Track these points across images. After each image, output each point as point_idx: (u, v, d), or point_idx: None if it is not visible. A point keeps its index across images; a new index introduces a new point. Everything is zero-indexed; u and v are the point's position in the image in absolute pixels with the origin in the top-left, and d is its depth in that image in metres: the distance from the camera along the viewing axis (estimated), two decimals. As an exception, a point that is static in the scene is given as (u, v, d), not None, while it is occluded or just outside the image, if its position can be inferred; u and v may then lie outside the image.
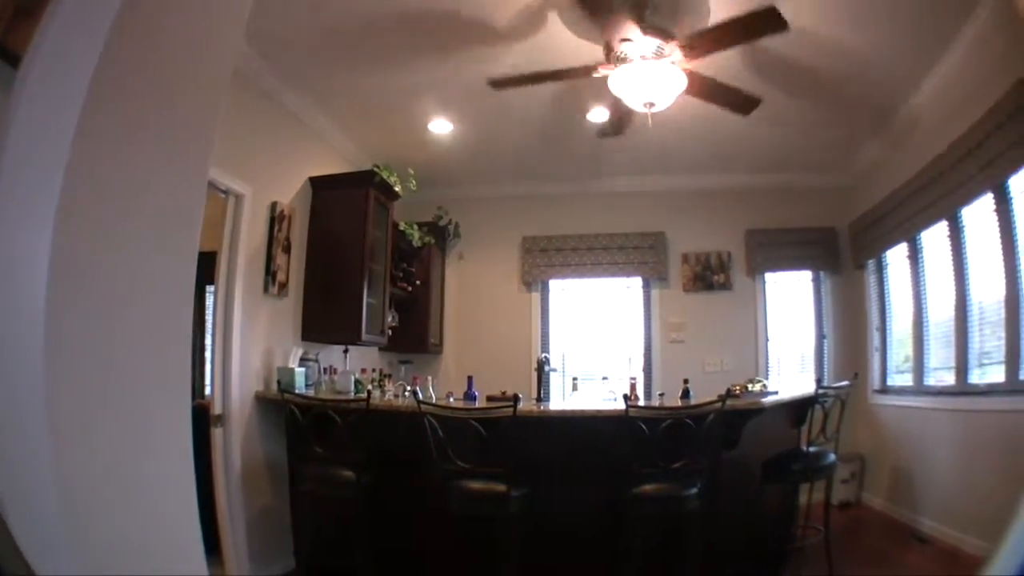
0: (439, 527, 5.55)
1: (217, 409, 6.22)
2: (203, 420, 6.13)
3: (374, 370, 8.19)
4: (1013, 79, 5.71)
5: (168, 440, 2.57)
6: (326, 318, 7.48)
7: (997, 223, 6.56)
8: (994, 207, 6.61)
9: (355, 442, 5.78)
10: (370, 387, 7.21)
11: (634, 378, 8.36)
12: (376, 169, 7.92)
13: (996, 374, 6.65)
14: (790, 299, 10.75)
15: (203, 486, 3.88)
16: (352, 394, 7.01)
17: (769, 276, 10.71)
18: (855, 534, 7.98)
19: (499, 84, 6.22)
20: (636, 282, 10.73)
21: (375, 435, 5.89)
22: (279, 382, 6.57)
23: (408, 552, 6.11)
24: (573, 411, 6.35)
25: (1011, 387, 6.25)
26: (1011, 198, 6.35)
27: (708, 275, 10.53)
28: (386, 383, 7.88)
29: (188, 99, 2.67)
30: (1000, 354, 6.56)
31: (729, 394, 5.38)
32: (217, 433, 6.21)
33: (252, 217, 6.65)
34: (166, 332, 2.58)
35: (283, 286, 7.02)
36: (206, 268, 6.12)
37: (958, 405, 7.17)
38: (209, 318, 6.82)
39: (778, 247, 10.50)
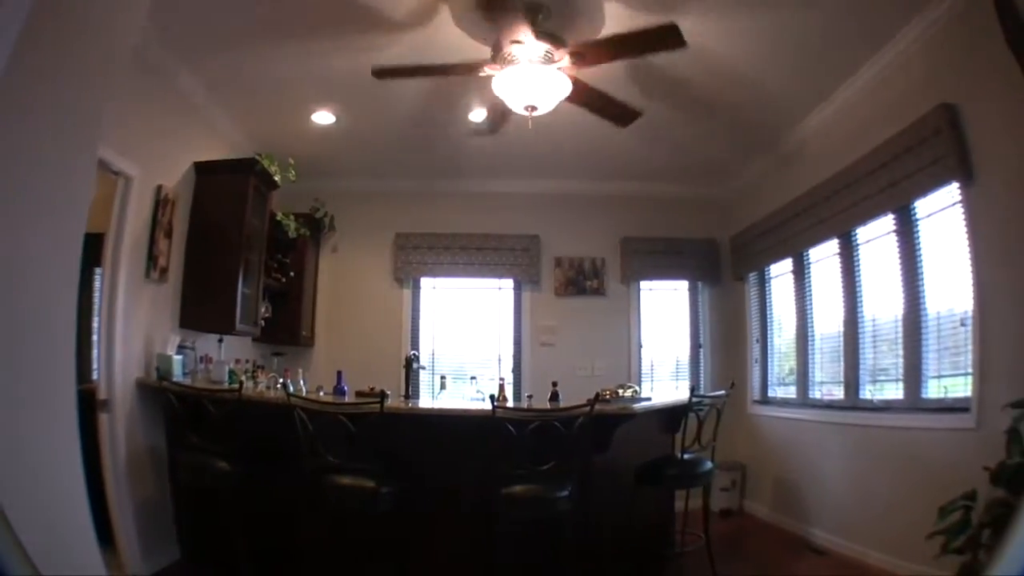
0: (315, 521, 5.55)
1: (102, 394, 5.99)
2: (92, 404, 5.95)
3: (248, 361, 8.05)
4: (931, 104, 5.78)
5: (54, 424, 2.53)
6: (203, 306, 7.26)
7: (898, 244, 6.66)
8: (895, 228, 6.70)
9: (230, 433, 5.70)
10: (243, 378, 6.94)
11: (503, 379, 8.36)
12: (258, 157, 7.80)
13: (892, 391, 6.77)
14: (666, 307, 10.81)
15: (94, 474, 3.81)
16: (226, 384, 6.89)
17: (644, 284, 10.73)
18: (740, 542, 8.07)
19: (383, 74, 5.98)
20: (508, 284, 10.67)
21: (250, 427, 5.81)
22: (158, 369, 6.37)
23: (286, 544, 5.97)
24: (440, 410, 6.43)
25: (911, 405, 6.35)
26: (916, 220, 6.43)
27: (581, 280, 10.53)
28: (259, 374, 7.72)
29: (81, 78, 2.64)
30: (897, 371, 6.67)
31: (598, 398, 5.25)
32: (104, 419, 5.98)
33: (139, 200, 6.40)
34: (51, 315, 2.55)
35: (164, 272, 6.77)
36: (95, 250, 5.97)
37: (849, 419, 7.25)
38: (97, 301, 6.56)
39: (654, 255, 10.55)
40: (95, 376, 6.13)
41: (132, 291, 6.34)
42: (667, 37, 5.30)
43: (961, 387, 5.75)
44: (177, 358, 6.69)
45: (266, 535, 5.97)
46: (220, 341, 7.52)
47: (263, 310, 8.43)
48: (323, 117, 7.95)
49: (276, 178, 8.06)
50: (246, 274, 7.55)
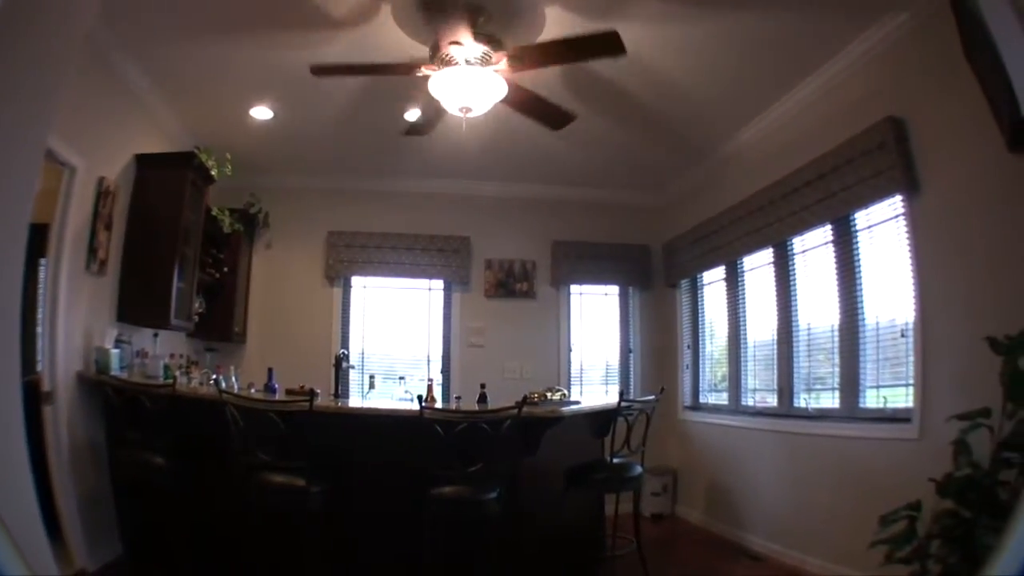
0: (249, 518, 5.41)
1: (46, 386, 5.86)
2: (37, 396, 5.84)
3: (181, 356, 7.93)
4: (877, 117, 5.84)
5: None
6: (139, 300, 7.11)
7: (835, 254, 6.73)
8: (832, 239, 6.77)
9: (165, 429, 5.68)
10: (177, 373, 6.97)
11: (431, 379, 8.31)
12: (197, 151, 7.72)
13: (828, 400, 6.81)
14: (596, 312, 10.84)
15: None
16: (161, 379, 6.72)
17: (575, 288, 10.75)
18: (673, 546, 8.11)
19: (321, 71, 5.91)
20: (439, 284, 10.65)
21: (185, 423, 5.79)
22: (97, 362, 6.30)
23: (223, 541, 5.83)
24: (369, 410, 6.38)
25: (849, 414, 6.39)
26: (855, 231, 6.48)
27: (511, 282, 10.54)
28: (192, 370, 7.64)
29: (33, 67, 2.59)
30: (834, 380, 6.71)
31: (526, 401, 5.37)
32: (48, 411, 5.85)
33: (82, 191, 6.27)
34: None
35: (103, 264, 6.63)
36: (40, 240, 5.86)
37: (784, 427, 7.30)
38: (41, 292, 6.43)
39: (585, 260, 10.58)
40: (39, 368, 5.98)
41: (73, 283, 6.20)
42: (607, 44, 5.29)
43: (902, 398, 5.79)
44: (115, 352, 6.55)
45: (203, 532, 5.92)
46: (155, 336, 7.41)
47: (197, 305, 8.30)
48: (261, 112, 7.83)
49: (213, 172, 7.93)
50: (182, 269, 7.43)
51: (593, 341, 10.75)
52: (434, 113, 6.45)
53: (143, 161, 7.30)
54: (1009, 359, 3.68)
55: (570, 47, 5.48)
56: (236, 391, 6.48)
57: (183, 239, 7.41)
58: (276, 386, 7.38)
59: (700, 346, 9.81)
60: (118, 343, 6.79)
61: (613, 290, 10.90)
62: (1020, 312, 4.17)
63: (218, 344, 9.28)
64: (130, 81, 6.98)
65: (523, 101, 6.24)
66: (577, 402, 6.67)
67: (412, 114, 7.34)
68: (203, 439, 5.82)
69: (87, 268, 6.36)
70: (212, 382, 6.86)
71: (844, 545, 5.85)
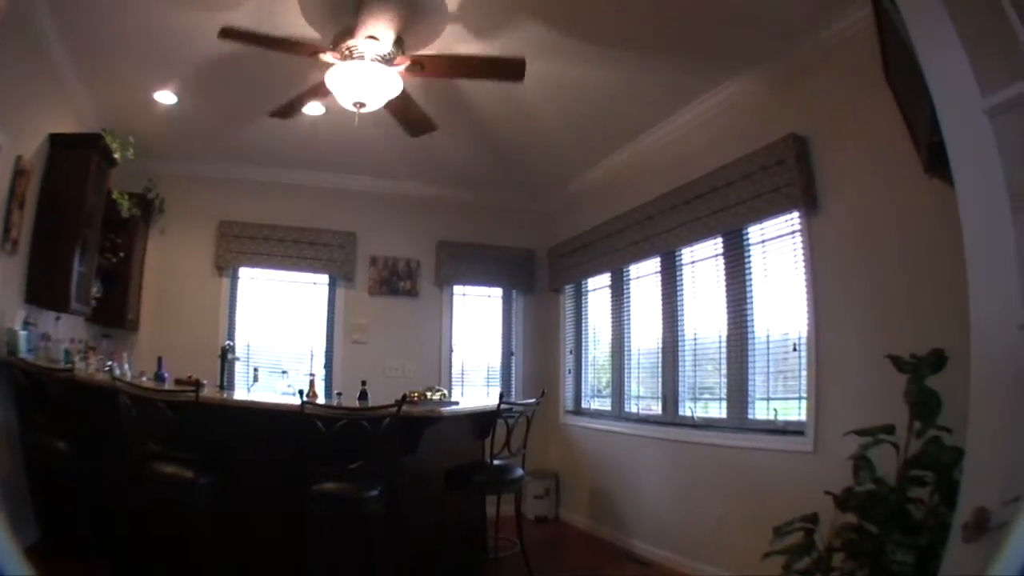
0: (141, 506, 5.37)
1: None
2: None
3: (80, 341, 7.69)
4: (779, 134, 5.83)
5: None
6: (44, 281, 6.82)
7: (724, 267, 6.72)
8: (723, 251, 6.75)
9: (68, 414, 5.61)
10: (76, 358, 6.86)
11: (313, 375, 8.24)
12: (103, 133, 7.45)
13: (716, 410, 6.79)
14: (479, 313, 10.78)
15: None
16: (62, 363, 6.59)
17: (458, 288, 10.66)
18: (557, 549, 8.05)
19: (229, 34, 5.53)
20: (324, 279, 10.45)
21: (86, 408, 5.70)
22: (8, 344, 6.08)
23: (125, 527, 5.67)
24: (252, 403, 6.34)
25: (738, 425, 6.38)
26: (748, 245, 6.47)
27: (395, 280, 10.42)
28: (90, 356, 7.42)
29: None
30: (721, 390, 6.71)
31: (405, 400, 5.33)
32: None
33: (3, 169, 6.00)
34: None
35: (15, 244, 6.35)
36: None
37: (669, 435, 7.27)
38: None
39: (471, 261, 10.51)
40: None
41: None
42: (512, 70, 5.33)
43: (794, 411, 5.80)
44: (23, 333, 6.34)
45: (104, 518, 5.80)
46: (58, 319, 7.13)
47: (95, 290, 8.03)
48: (166, 97, 7.60)
49: (116, 155, 7.64)
50: (84, 252, 7.21)
51: (475, 343, 10.67)
52: (298, 99, 6.33)
53: (56, 141, 7.02)
54: (915, 378, 3.66)
55: (475, 65, 5.53)
56: (129, 379, 6.20)
57: (86, 222, 7.17)
58: (166, 375, 7.21)
59: (583, 352, 9.76)
60: (26, 325, 6.55)
61: (497, 292, 10.83)
62: (919, 332, 4.17)
63: (113, 330, 8.97)
64: (52, 57, 6.67)
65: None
66: (457, 403, 6.62)
67: (311, 107, 7.16)
68: (103, 426, 5.68)
69: (1, 247, 6.09)
70: (107, 369, 6.68)
71: (737, 554, 5.81)
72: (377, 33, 5.27)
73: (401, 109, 6.25)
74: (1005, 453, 1.86)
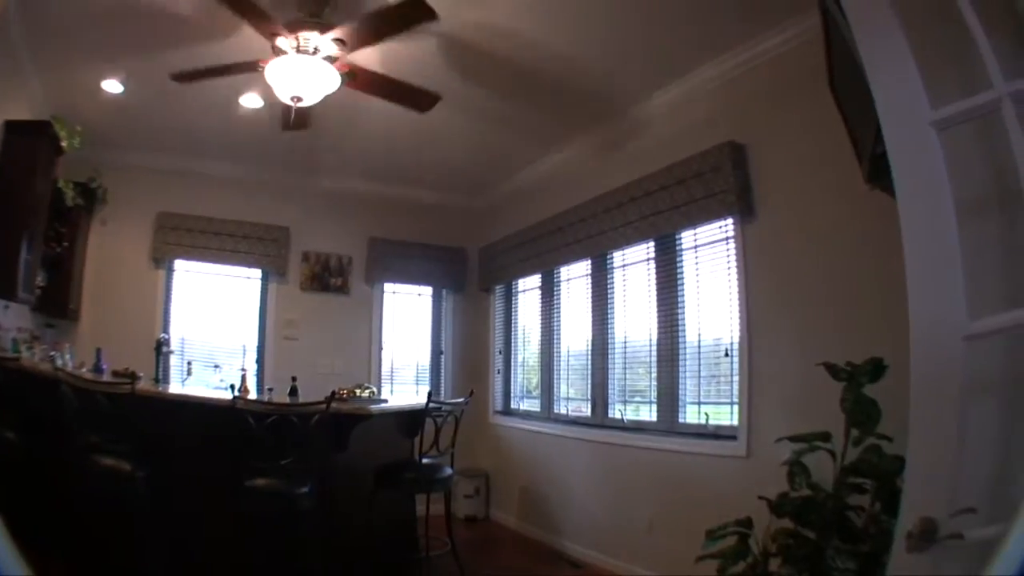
0: (81, 497, 5.36)
1: None
2: None
3: (26, 330, 7.57)
4: (716, 141, 5.80)
5: None
6: (-6, 269, 6.86)
7: (656, 271, 6.69)
8: (654, 255, 6.72)
9: (16, 403, 5.58)
10: (23, 348, 6.85)
11: (245, 370, 8.16)
12: (52, 120, 7.31)
13: (647, 413, 6.76)
14: (410, 311, 10.72)
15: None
16: (10, 352, 6.58)
17: (389, 286, 10.60)
18: (488, 549, 8.04)
19: (183, 78, 5.78)
20: (256, 273, 10.29)
21: (32, 398, 5.67)
22: (-42, 331, 5.88)
23: (72, 519, 5.59)
24: (184, 396, 6.25)
25: (668, 428, 6.35)
26: (680, 250, 6.45)
27: (326, 276, 10.31)
28: (35, 345, 7.32)
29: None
30: (651, 394, 6.68)
31: (335, 396, 5.36)
32: None
33: None
34: None
35: None
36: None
37: (598, 437, 7.25)
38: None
39: (402, 259, 10.44)
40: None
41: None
42: (417, 10, 5.06)
43: (726, 415, 5.79)
44: (-26, 322, 6.23)
45: (56, 508, 5.59)
46: (6, 307, 7.01)
47: (39, 279, 7.90)
48: (112, 86, 7.46)
49: (63, 144, 7.48)
50: (31, 240, 7.01)
51: (405, 341, 10.59)
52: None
53: (9, 128, 6.85)
54: (851, 386, 3.63)
55: (384, 19, 5.20)
56: (71, 369, 6.32)
57: (32, 210, 7.02)
58: (105, 367, 7.18)
59: (513, 352, 9.72)
60: (-23, 314, 6.47)
61: (427, 291, 10.77)
62: (856, 340, 4.17)
63: (56, 320, 8.81)
64: (11, 39, 6.52)
65: (379, 86, 5.99)
66: (386, 400, 6.63)
67: (248, 99, 7.08)
68: (48, 416, 5.61)
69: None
70: (49, 359, 6.66)
71: (670, 557, 5.79)
72: (284, 27, 5.20)
73: (391, 91, 6.09)
74: (950, 465, 1.81)
